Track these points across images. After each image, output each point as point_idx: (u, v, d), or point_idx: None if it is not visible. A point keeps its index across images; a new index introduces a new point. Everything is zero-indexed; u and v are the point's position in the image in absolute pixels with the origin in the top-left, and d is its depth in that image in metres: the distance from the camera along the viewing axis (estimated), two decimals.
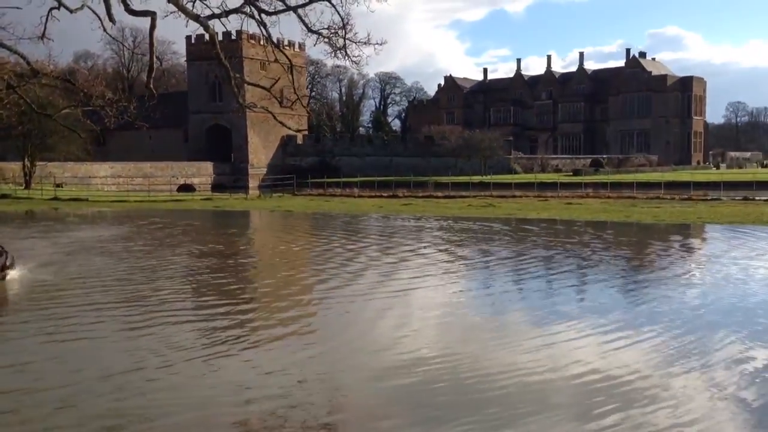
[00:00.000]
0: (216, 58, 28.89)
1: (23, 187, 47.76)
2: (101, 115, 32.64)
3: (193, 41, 74.22)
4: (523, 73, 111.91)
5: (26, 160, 49.41)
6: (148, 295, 12.63)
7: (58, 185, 49.42)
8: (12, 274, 12.99)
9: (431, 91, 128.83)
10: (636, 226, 25.23)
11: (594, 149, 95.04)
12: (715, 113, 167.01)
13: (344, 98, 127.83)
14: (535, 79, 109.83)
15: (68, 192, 47.66)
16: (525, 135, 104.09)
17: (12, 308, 11.46)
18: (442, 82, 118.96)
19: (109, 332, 9.67)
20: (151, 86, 25.43)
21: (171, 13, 23.72)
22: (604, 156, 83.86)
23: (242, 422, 6.36)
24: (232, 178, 72.41)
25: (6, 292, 12.32)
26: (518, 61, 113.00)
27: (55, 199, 42.36)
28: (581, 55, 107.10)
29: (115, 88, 34.57)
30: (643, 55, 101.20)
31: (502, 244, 20.59)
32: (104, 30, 26.51)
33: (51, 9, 23.91)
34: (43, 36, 26.50)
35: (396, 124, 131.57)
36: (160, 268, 15.88)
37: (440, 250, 19.21)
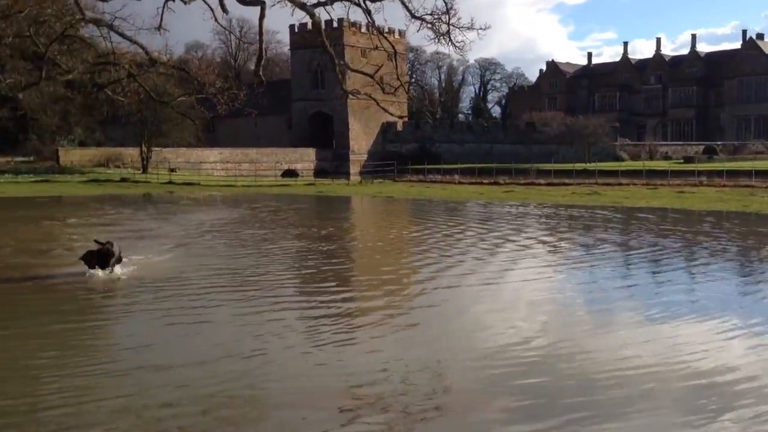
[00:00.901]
0: (321, 45, 29.50)
1: (141, 172, 50.37)
2: (212, 102, 33.98)
3: (296, 30, 75.76)
4: (630, 56, 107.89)
5: (143, 145, 52.07)
6: (265, 278, 12.94)
7: (172, 170, 51.78)
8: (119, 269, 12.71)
9: (532, 77, 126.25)
10: (756, 217, 23.91)
11: (707, 136, 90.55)
12: None
13: (443, 85, 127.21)
14: (643, 63, 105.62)
15: (181, 176, 49.88)
16: (632, 121, 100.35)
17: (137, 290, 11.76)
18: (544, 68, 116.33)
19: (228, 315, 9.85)
20: (260, 74, 26.33)
21: (278, 2, 24.36)
22: (719, 143, 79.74)
23: (346, 404, 6.42)
24: (333, 164, 73.67)
25: (130, 278, 12.58)
26: (625, 44, 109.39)
27: (170, 183, 44.46)
28: (693, 37, 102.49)
29: (226, 76, 35.82)
30: (760, 36, 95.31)
31: (610, 232, 20.04)
32: (215, 20, 27.59)
33: (167, 0, 25.06)
34: (159, 27, 27.82)
35: (496, 111, 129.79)
36: (276, 251, 16.26)
37: (546, 238, 18.92)
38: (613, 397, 6.61)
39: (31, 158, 56.41)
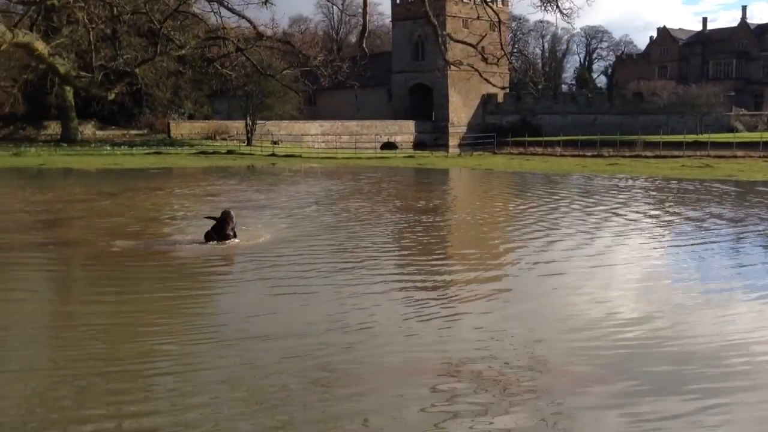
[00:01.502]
0: (424, 16, 29.30)
1: (245, 144, 52.00)
2: (314, 74, 34.46)
3: (398, 2, 75.67)
4: (748, 21, 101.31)
5: (248, 118, 53.66)
6: (370, 251, 12.91)
7: (275, 142, 53.18)
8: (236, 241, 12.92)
9: (641, 45, 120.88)
10: None
11: None
12: None
13: (547, 54, 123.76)
14: (762, 28, 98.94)
15: (283, 149, 51.13)
16: (749, 90, 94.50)
17: (244, 260, 11.97)
18: (653, 35, 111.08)
19: (334, 287, 9.87)
20: (364, 45, 26.48)
21: None
22: None
23: (443, 380, 6.39)
24: (432, 137, 73.46)
25: (238, 248, 12.75)
26: (743, 8, 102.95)
27: (273, 155, 45.67)
28: None
29: (330, 49, 36.30)
30: None
31: (725, 207, 19.07)
32: None
33: None
34: (266, 1, 28.39)
35: (601, 81, 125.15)
36: (381, 223, 16.33)
37: (655, 212, 18.24)
38: (730, 384, 6.30)
39: (145, 131, 59.34)
